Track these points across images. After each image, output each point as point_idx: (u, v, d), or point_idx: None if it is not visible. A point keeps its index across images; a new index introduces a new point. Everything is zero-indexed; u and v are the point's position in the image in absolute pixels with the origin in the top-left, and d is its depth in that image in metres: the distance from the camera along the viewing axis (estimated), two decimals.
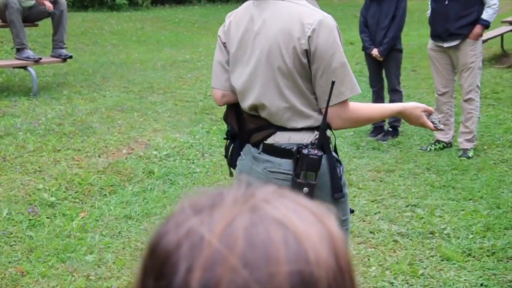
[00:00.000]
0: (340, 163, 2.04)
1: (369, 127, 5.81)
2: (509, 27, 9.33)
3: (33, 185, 4.29)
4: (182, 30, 12.68)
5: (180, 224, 0.53)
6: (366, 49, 5.81)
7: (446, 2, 5.09)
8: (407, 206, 4.18)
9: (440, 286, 3.18)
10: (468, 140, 5.23)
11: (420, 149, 5.39)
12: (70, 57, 7.14)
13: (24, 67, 6.78)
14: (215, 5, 17.87)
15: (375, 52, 5.66)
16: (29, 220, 3.83)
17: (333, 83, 1.86)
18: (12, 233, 3.66)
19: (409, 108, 2.13)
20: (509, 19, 9.57)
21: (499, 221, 3.88)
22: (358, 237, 3.71)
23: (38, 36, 9.35)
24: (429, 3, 5.38)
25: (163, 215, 3.96)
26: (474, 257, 3.47)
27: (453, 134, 5.43)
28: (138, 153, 5.07)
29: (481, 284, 3.19)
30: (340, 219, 2.03)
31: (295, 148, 1.95)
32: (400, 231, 3.80)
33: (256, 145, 2.07)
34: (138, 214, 3.98)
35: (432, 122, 2.14)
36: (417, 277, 3.26)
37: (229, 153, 2.22)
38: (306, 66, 1.92)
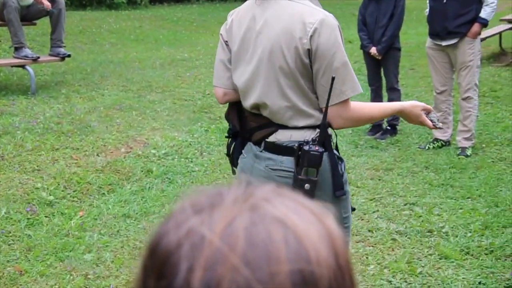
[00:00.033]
0: (342, 161, 2.05)
1: (368, 125, 5.81)
2: (507, 26, 9.34)
3: (32, 184, 4.29)
4: (180, 29, 12.67)
5: (180, 224, 0.53)
6: (364, 48, 5.81)
7: (445, 1, 5.09)
8: (405, 205, 4.18)
9: (438, 284, 3.19)
10: (467, 139, 5.23)
11: (419, 147, 5.39)
12: (69, 56, 7.13)
13: (22, 66, 6.77)
14: (213, 3, 17.86)
15: (373, 50, 5.67)
16: (28, 219, 3.83)
17: (333, 78, 1.86)
18: (10, 232, 3.66)
19: (408, 107, 2.14)
20: (507, 17, 9.59)
21: (497, 219, 3.88)
22: (356, 235, 3.71)
23: (36, 35, 9.34)
24: (428, 1, 5.38)
25: (162, 214, 3.96)
26: (472, 255, 3.48)
27: (451, 132, 5.43)
28: (137, 152, 5.07)
29: (479, 282, 3.19)
30: (342, 216, 2.04)
31: (296, 145, 1.95)
32: (399, 229, 3.80)
33: (257, 143, 2.07)
34: (137, 213, 3.98)
35: (431, 121, 2.15)
36: (416, 275, 3.27)
37: (231, 152, 2.22)
38: (307, 66, 1.93)
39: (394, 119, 5.69)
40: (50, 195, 4.14)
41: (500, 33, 9.23)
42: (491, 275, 3.26)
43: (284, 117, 1.99)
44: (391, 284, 3.20)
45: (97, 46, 10.04)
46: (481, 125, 5.81)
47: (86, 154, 4.94)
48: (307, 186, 1.90)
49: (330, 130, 2.01)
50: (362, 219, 3.96)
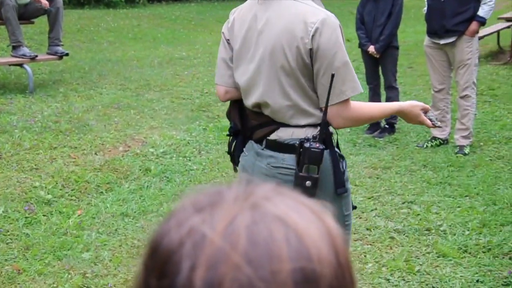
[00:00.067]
0: (343, 158, 2.05)
1: (366, 124, 5.82)
2: (505, 24, 9.35)
3: (30, 183, 4.29)
4: (178, 27, 12.66)
5: (181, 223, 0.53)
6: (362, 46, 5.82)
7: None
8: (403, 203, 4.19)
9: (436, 282, 3.19)
10: (465, 137, 5.24)
11: (417, 146, 5.40)
12: (67, 54, 7.12)
13: (20, 65, 6.76)
14: (211, 2, 17.86)
15: (371, 49, 5.67)
16: (26, 218, 3.83)
17: (332, 75, 1.87)
18: (8, 231, 3.66)
19: (408, 107, 2.15)
20: (505, 15, 9.60)
21: (495, 218, 3.89)
22: (354, 233, 3.71)
23: (34, 34, 9.32)
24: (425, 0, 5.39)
25: (160, 213, 3.96)
26: (470, 253, 3.48)
27: (449, 131, 5.44)
28: (135, 151, 5.06)
29: (477, 280, 3.20)
30: (343, 214, 2.05)
31: (298, 143, 1.96)
32: (397, 227, 3.81)
33: (259, 141, 2.08)
34: (135, 212, 3.98)
35: (430, 120, 2.16)
36: (414, 273, 3.27)
37: (232, 150, 2.23)
38: (309, 65, 1.93)
39: (392, 117, 5.69)
40: (48, 193, 4.14)
41: (498, 32, 9.24)
42: (489, 273, 3.26)
43: (286, 116, 2.00)
44: (389, 282, 3.21)
45: (95, 44, 10.03)
46: (479, 123, 5.82)
47: (84, 153, 4.93)
48: (308, 183, 1.91)
49: (331, 128, 2.01)
50: (360, 218, 3.96)
